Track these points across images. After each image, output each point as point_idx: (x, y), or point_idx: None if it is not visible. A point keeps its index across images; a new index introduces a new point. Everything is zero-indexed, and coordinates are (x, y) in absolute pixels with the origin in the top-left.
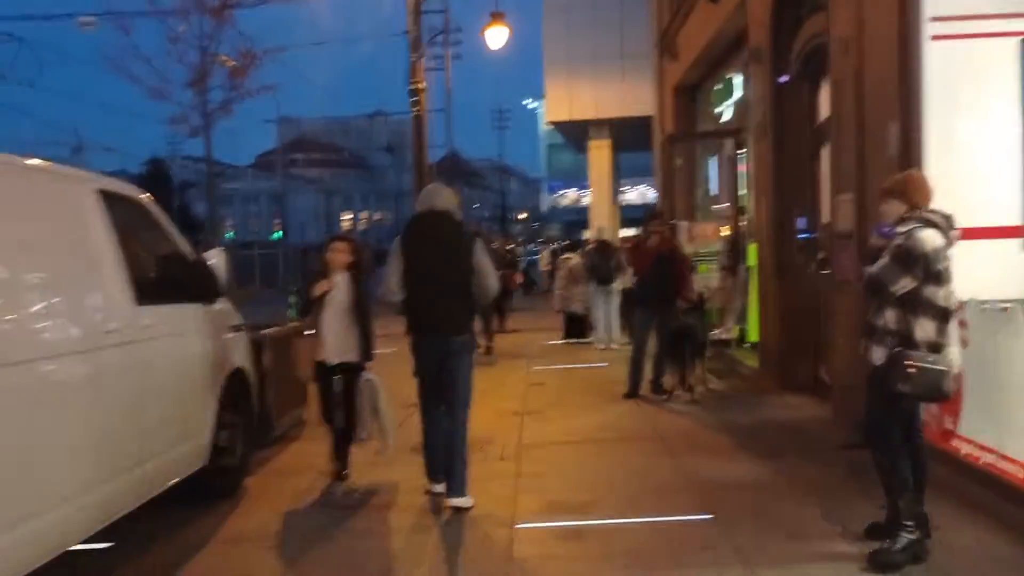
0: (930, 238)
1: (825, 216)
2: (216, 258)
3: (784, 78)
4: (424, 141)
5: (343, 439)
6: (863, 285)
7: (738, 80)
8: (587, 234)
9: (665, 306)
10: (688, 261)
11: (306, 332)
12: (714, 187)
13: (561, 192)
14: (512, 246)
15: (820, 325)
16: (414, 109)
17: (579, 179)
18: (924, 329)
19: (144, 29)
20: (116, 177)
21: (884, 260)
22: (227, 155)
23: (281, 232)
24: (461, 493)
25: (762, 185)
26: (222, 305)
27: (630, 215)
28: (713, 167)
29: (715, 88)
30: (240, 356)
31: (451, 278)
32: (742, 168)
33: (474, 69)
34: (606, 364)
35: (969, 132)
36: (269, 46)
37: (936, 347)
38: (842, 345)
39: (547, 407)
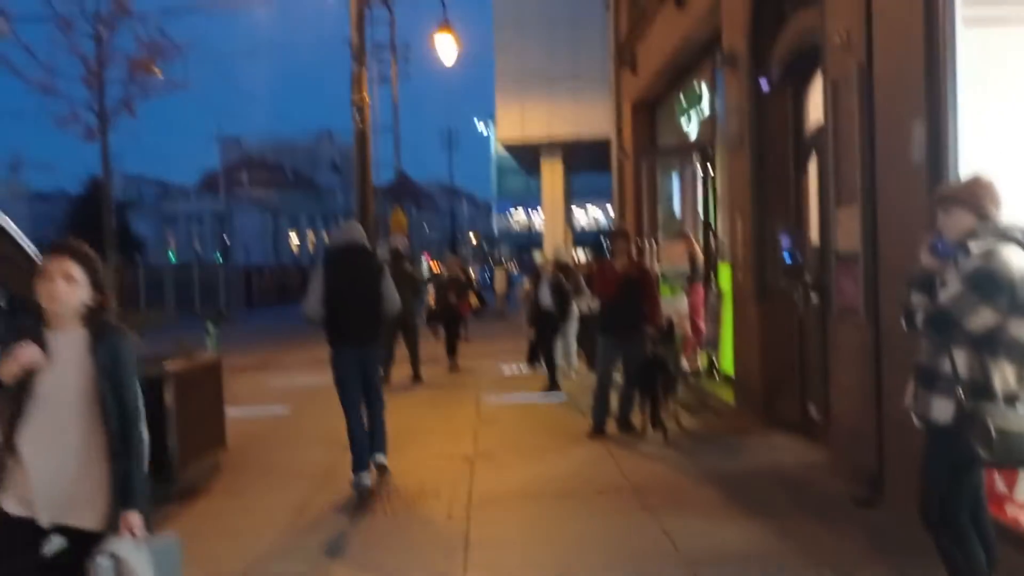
0: (1017, 259)
1: (814, 235)
2: None
3: (764, 83)
4: (368, 158)
5: None
6: (924, 321)
7: (706, 91)
8: (539, 257)
9: (633, 335)
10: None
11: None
12: (677, 205)
13: (511, 212)
14: (469, 269)
15: (808, 357)
16: (358, 124)
17: (529, 203)
18: (1004, 377)
19: (32, 18)
20: (53, 198)
21: (956, 288)
22: (171, 174)
23: (220, 253)
24: (383, 451)
25: (739, 202)
26: None
27: (581, 238)
28: (676, 184)
29: (681, 100)
30: None
31: (365, 299)
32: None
33: (424, 96)
34: (565, 396)
35: (1013, 132)
36: (184, 40)
37: (1013, 399)
38: (844, 383)
39: (502, 450)
